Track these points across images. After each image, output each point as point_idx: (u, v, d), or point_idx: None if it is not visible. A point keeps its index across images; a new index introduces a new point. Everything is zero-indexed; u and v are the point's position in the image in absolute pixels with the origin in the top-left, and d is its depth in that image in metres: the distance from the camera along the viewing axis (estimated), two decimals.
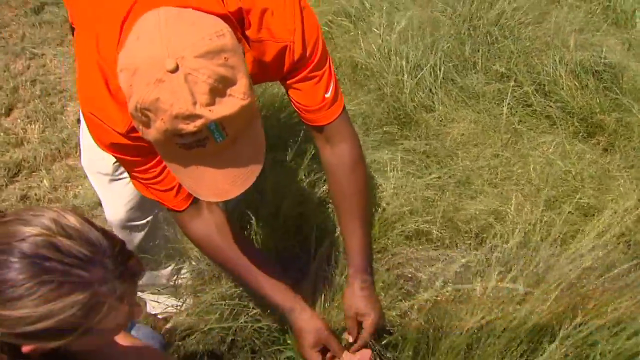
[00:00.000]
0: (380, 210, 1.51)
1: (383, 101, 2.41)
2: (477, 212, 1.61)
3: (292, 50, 1.25)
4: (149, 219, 1.71)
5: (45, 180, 2.64)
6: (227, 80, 0.96)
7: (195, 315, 1.86)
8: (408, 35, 2.70)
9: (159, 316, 1.99)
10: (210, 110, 0.95)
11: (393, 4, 3.11)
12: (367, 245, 1.42)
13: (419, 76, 2.47)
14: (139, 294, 2.00)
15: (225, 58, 0.96)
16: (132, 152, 1.20)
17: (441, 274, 1.40)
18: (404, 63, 2.46)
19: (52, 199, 2.58)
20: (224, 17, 1.12)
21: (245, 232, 1.56)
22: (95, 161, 1.61)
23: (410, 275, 1.43)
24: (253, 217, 1.54)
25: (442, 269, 1.42)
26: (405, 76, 2.45)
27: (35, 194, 2.60)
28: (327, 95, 1.34)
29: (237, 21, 1.18)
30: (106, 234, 0.93)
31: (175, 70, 0.92)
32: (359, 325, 1.40)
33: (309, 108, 1.35)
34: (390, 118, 2.33)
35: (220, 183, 1.07)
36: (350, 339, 1.38)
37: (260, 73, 1.29)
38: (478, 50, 2.65)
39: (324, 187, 1.64)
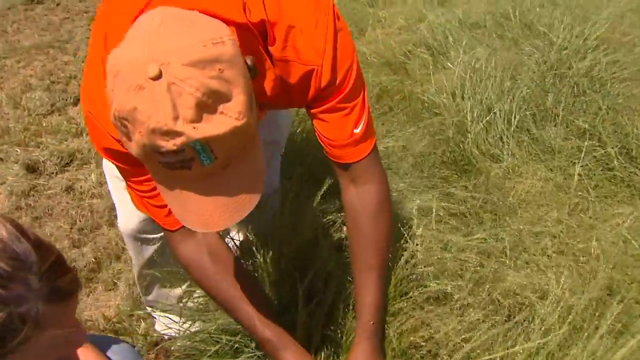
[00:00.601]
0: (402, 264, 1.32)
1: (445, 142, 2.22)
2: (517, 287, 1.39)
3: (319, 74, 1.11)
4: (162, 233, 1.61)
5: (93, 175, 2.64)
6: (219, 96, 0.83)
7: (195, 342, 1.74)
8: (485, 75, 2.49)
9: (165, 336, 1.88)
10: (194, 128, 0.82)
11: (479, 40, 2.91)
12: (380, 303, 1.25)
13: (484, 120, 2.25)
14: (148, 309, 1.90)
15: (219, 70, 0.83)
16: (126, 161, 1.10)
17: (460, 344, 1.20)
18: (470, 104, 2.25)
19: (94, 194, 2.56)
20: (243, 27, 1.00)
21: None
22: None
23: (423, 344, 1.23)
24: (258, 255, 1.40)
25: (462, 339, 1.22)
26: (471, 118, 2.24)
27: (81, 187, 2.60)
28: (357, 130, 1.19)
29: (260, 34, 1.06)
30: (40, 247, 0.81)
31: (158, 77, 0.81)
32: None
33: (334, 142, 1.21)
34: (448, 162, 2.13)
35: (207, 212, 0.94)
36: None
37: (284, 95, 1.16)
38: (561, 102, 2.39)
39: (339, 234, 1.47)
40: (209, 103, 0.82)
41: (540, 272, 1.50)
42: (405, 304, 1.27)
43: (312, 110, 1.19)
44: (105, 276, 2.25)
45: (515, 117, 2.34)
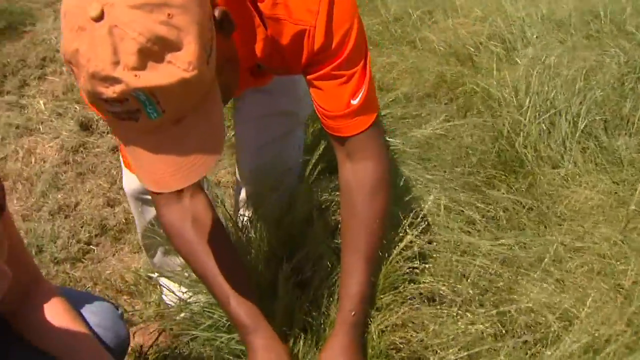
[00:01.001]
0: (396, 255, 1.17)
1: (496, 140, 2.02)
2: (535, 304, 1.20)
3: (311, 36, 1.03)
4: None
5: None
6: (166, 43, 0.76)
7: (192, 313, 1.68)
8: (556, 73, 2.26)
9: (169, 303, 1.83)
10: (135, 76, 0.76)
11: (559, 38, 2.66)
12: (364, 292, 1.13)
13: (547, 120, 2.03)
14: (154, 275, 1.86)
15: (169, 14, 0.76)
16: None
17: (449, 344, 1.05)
18: (533, 101, 2.04)
19: None
20: None
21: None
22: None
23: (404, 345, 1.09)
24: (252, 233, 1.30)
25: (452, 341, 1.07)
26: (532, 117, 2.03)
27: None
28: (354, 101, 1.08)
29: None
30: None
31: (100, 18, 0.74)
32: None
33: (329, 113, 1.11)
34: (495, 160, 1.94)
35: (158, 170, 0.87)
36: None
37: (277, 57, 1.08)
38: None
39: (336, 216, 1.34)
40: (155, 50, 0.75)
41: (568, 292, 1.31)
42: (393, 299, 1.13)
43: (308, 77, 1.11)
44: (132, 238, 2.24)
45: (583, 121, 2.10)
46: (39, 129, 2.76)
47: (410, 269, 1.15)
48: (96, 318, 1.36)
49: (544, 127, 2.10)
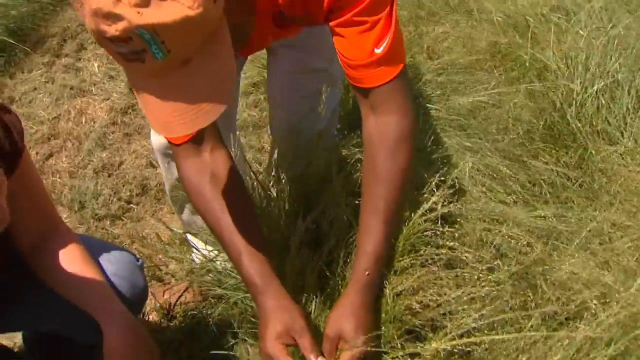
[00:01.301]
0: (419, 217, 1.09)
1: (547, 112, 1.89)
2: (569, 280, 1.11)
3: None
4: None
5: None
6: None
7: (216, 272, 1.66)
8: (622, 45, 2.09)
9: (197, 262, 1.82)
10: (138, 13, 0.73)
11: (628, 9, 2.47)
12: (381, 252, 1.07)
13: (607, 94, 1.88)
14: (188, 236, 1.85)
15: None
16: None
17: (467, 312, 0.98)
18: (592, 73, 1.89)
19: None
20: None
21: None
22: None
23: (420, 310, 1.02)
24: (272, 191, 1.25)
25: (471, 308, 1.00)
26: (589, 90, 1.89)
27: None
28: (378, 50, 1.03)
29: None
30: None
31: None
32: (337, 352, 1.06)
33: (352, 62, 1.06)
34: (545, 132, 1.82)
35: (164, 114, 0.85)
36: None
37: (299, 4, 1.04)
38: None
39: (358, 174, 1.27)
40: None
41: (611, 270, 1.20)
42: (412, 262, 1.06)
43: (330, 24, 1.07)
44: None
45: None
46: (92, 90, 2.82)
47: (433, 233, 1.08)
48: (113, 267, 1.36)
49: (603, 102, 1.95)
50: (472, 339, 0.94)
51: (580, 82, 1.93)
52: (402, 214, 1.09)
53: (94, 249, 1.38)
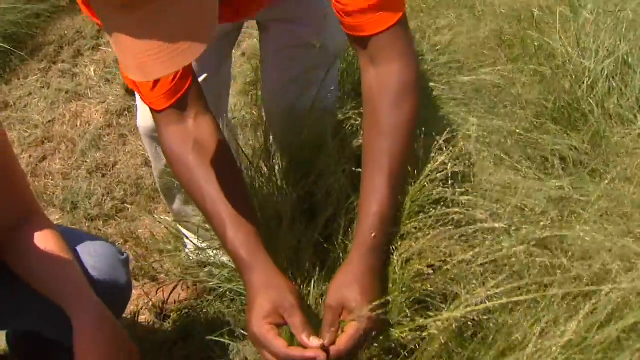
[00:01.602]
0: (426, 175, 1.00)
1: (556, 93, 1.81)
2: (589, 244, 1.00)
3: None
4: None
5: None
6: None
7: (209, 265, 1.57)
8: (631, 29, 2.01)
9: (190, 256, 1.73)
10: None
11: None
12: (387, 213, 0.97)
13: (617, 76, 1.79)
14: (182, 230, 1.76)
15: None
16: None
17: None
18: (603, 55, 1.81)
19: None
20: None
21: None
22: None
23: (431, 275, 0.92)
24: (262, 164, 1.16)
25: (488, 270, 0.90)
26: (600, 71, 1.81)
27: None
28: None
29: None
30: None
31: None
32: (340, 324, 0.96)
33: (348, 7, 0.98)
34: (554, 113, 1.73)
35: (140, 54, 0.78)
36: (320, 342, 0.92)
37: None
38: None
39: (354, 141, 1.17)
40: None
41: (631, 237, 1.10)
42: (420, 225, 0.96)
43: None
44: None
45: None
46: (87, 94, 2.76)
47: (442, 191, 0.98)
48: (92, 259, 1.26)
49: (614, 84, 1.87)
50: (492, 303, 0.84)
51: (591, 66, 1.85)
52: (408, 171, 0.98)
53: (73, 239, 1.29)
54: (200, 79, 1.41)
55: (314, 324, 0.94)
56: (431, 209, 0.96)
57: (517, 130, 1.44)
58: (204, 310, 1.76)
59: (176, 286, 1.77)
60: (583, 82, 1.81)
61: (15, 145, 2.51)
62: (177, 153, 1.07)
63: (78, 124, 2.59)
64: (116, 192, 2.20)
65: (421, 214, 0.97)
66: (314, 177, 1.11)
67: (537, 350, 0.85)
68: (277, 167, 1.21)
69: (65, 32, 3.20)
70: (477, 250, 0.91)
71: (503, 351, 0.86)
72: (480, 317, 0.87)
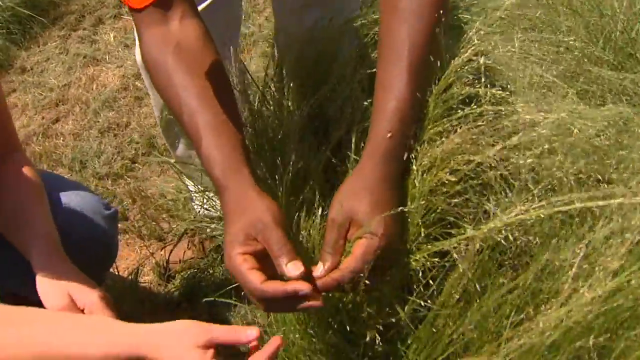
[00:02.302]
0: (456, 66, 0.82)
1: (607, 37, 1.61)
2: None
3: None
4: None
5: None
6: None
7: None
8: None
9: (197, 210, 1.59)
10: None
11: None
12: (407, 109, 0.80)
13: None
14: (188, 184, 1.62)
15: None
16: None
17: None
18: None
19: None
20: None
21: None
22: None
23: (453, 179, 0.75)
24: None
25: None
26: None
27: None
28: None
29: None
30: None
31: None
32: (345, 244, 0.79)
33: None
34: (605, 59, 1.53)
35: None
36: (300, 269, 0.74)
37: None
38: None
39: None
40: None
41: None
42: (445, 128, 0.79)
43: None
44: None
45: None
46: (105, 58, 2.66)
47: (473, 90, 0.80)
48: (72, 209, 1.17)
49: None
50: (527, 215, 0.66)
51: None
52: (432, 62, 0.81)
53: (57, 187, 1.19)
54: (204, 4, 1.28)
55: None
56: (459, 110, 0.79)
57: (563, 54, 1.25)
58: (210, 270, 1.62)
59: (179, 241, 1.63)
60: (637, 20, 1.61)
61: (29, 107, 2.43)
62: (155, 57, 0.91)
63: (94, 87, 2.49)
64: (127, 151, 2.08)
65: (446, 117, 0.80)
66: (327, 91, 0.95)
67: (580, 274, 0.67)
68: (287, 88, 1.05)
69: (88, 1, 3.13)
70: (514, 158, 0.73)
71: (539, 276, 0.69)
72: (515, 235, 0.69)
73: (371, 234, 0.75)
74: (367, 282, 0.75)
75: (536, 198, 0.67)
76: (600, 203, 0.66)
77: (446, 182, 0.75)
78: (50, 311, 0.92)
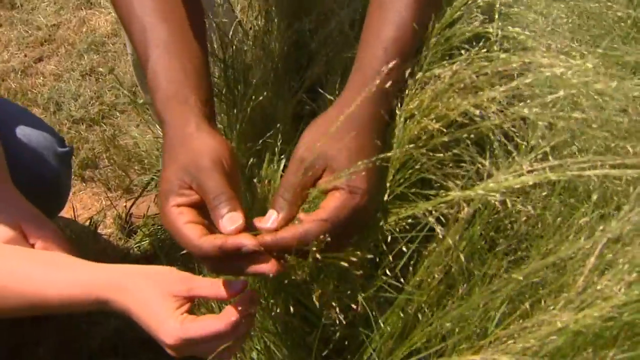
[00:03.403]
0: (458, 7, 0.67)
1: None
2: None
3: None
4: None
5: None
6: None
7: None
8: None
9: None
10: None
11: None
12: (410, 39, 0.65)
13: None
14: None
15: None
16: None
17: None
18: None
19: None
20: None
21: None
22: None
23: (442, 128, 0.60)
24: None
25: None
26: None
27: None
28: None
29: None
30: None
31: None
32: (307, 194, 0.63)
33: None
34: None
35: None
36: (240, 219, 0.60)
37: None
38: None
39: None
40: None
41: None
42: (445, 71, 0.63)
43: None
44: None
45: None
46: (100, 2, 2.50)
47: (481, 27, 0.65)
48: (22, 143, 1.05)
49: None
50: (542, 176, 0.51)
51: None
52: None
53: (8, 114, 1.07)
54: None
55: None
56: (463, 49, 0.63)
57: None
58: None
59: (142, 191, 1.49)
60: None
61: (13, 43, 2.27)
62: None
63: (83, 30, 2.33)
64: (106, 97, 1.93)
65: (447, 60, 0.64)
66: (309, 23, 0.79)
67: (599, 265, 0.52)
68: (266, 20, 0.89)
69: None
70: (521, 107, 0.57)
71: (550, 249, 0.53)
72: (515, 201, 0.54)
73: (350, 186, 0.59)
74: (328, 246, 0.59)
75: (550, 157, 0.52)
76: (632, 172, 0.51)
77: (432, 130, 0.59)
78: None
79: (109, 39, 2.26)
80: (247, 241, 0.57)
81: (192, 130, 0.64)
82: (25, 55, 2.20)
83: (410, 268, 0.63)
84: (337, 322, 0.68)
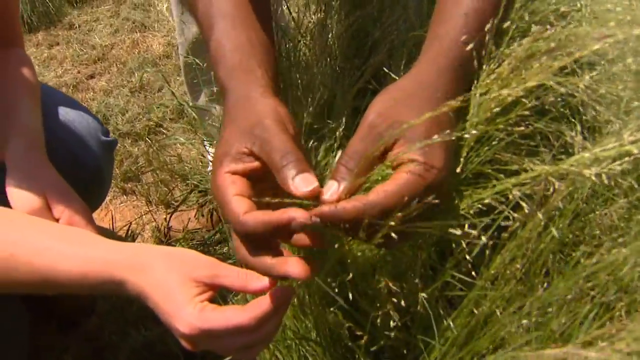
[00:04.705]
0: None
1: None
2: None
3: None
4: None
5: None
6: None
7: None
8: None
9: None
10: None
11: None
12: (492, 6, 0.58)
13: None
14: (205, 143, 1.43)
15: None
16: None
17: None
18: None
19: None
20: None
21: None
22: None
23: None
24: None
25: None
26: None
27: None
28: None
29: None
30: None
31: None
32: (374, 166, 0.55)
33: None
34: None
35: None
36: (313, 184, 0.51)
37: None
38: None
39: None
40: None
41: None
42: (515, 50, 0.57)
43: None
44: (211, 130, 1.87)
45: None
46: (154, 26, 2.54)
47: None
48: (66, 126, 1.03)
49: None
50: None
51: None
52: None
53: (53, 98, 1.06)
54: None
55: None
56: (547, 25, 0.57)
57: None
58: (216, 247, 1.42)
59: (181, 203, 1.44)
60: None
61: (67, 60, 2.32)
62: None
63: (136, 51, 2.36)
64: (153, 113, 1.92)
65: (518, 39, 0.58)
66: (373, 10, 0.74)
67: None
68: (332, 13, 0.85)
69: None
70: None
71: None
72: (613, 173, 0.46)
73: (427, 160, 0.52)
74: (393, 234, 0.51)
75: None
76: None
77: (510, 103, 0.52)
78: (19, 212, 0.74)
79: (160, 60, 2.28)
80: (298, 214, 0.50)
81: (257, 95, 0.58)
82: (79, 72, 2.24)
83: (481, 262, 0.56)
84: (391, 324, 0.60)
